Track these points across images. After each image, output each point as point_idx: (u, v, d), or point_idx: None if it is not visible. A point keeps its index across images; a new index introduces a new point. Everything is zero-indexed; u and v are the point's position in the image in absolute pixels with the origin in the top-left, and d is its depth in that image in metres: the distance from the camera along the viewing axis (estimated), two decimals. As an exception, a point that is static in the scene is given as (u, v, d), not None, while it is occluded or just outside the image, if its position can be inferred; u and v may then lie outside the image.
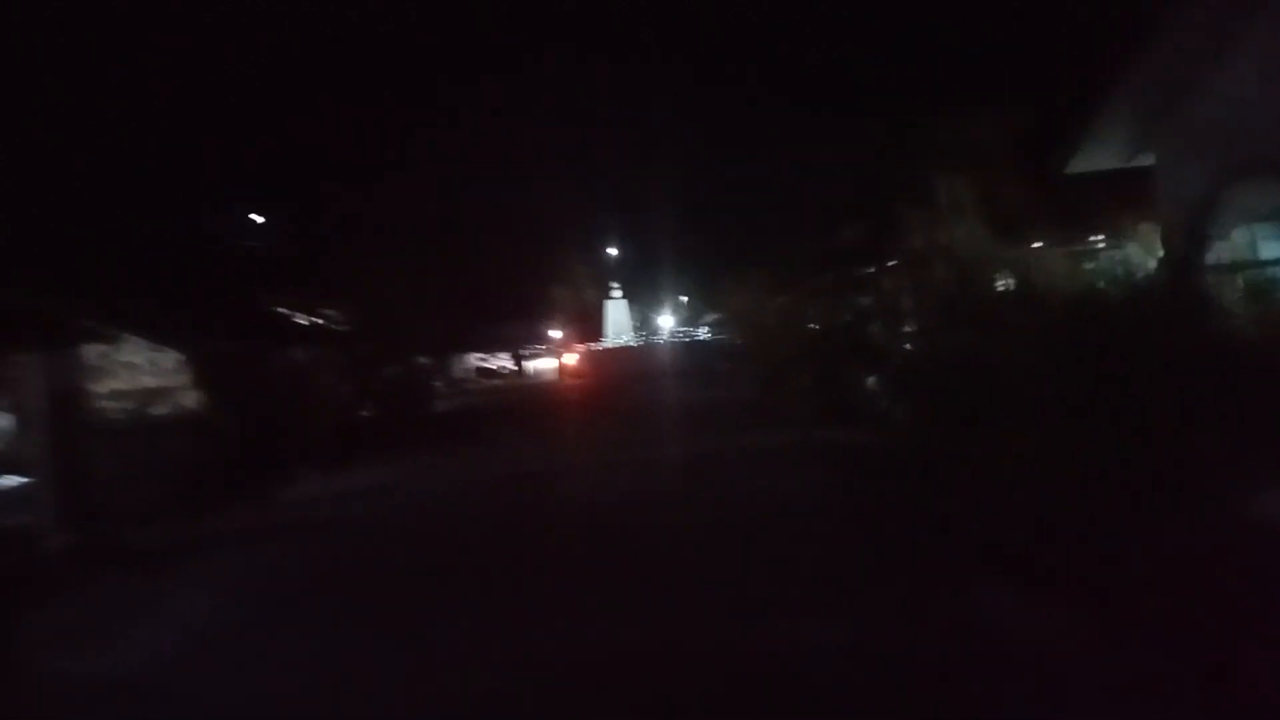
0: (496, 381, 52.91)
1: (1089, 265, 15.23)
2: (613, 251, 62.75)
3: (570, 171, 60.87)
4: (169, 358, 13.64)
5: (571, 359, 48.73)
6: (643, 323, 60.09)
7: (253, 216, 27.91)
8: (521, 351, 55.46)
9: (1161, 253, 13.78)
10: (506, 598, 6.58)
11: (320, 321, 21.46)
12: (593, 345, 54.40)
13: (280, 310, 20.12)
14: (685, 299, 61.38)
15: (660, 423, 18.18)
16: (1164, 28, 10.41)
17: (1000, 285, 13.28)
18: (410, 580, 7.47)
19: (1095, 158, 13.01)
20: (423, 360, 32.94)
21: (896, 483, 8.16)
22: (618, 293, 56.20)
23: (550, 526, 8.88)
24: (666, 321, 60.65)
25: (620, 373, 41.33)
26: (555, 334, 58.59)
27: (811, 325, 18.73)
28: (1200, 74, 10.68)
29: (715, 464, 11.71)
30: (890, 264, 16.86)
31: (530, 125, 62.01)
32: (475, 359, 57.65)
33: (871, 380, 14.15)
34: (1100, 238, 16.68)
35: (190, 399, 13.68)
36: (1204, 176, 11.15)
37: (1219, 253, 11.31)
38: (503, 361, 57.35)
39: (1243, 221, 11.53)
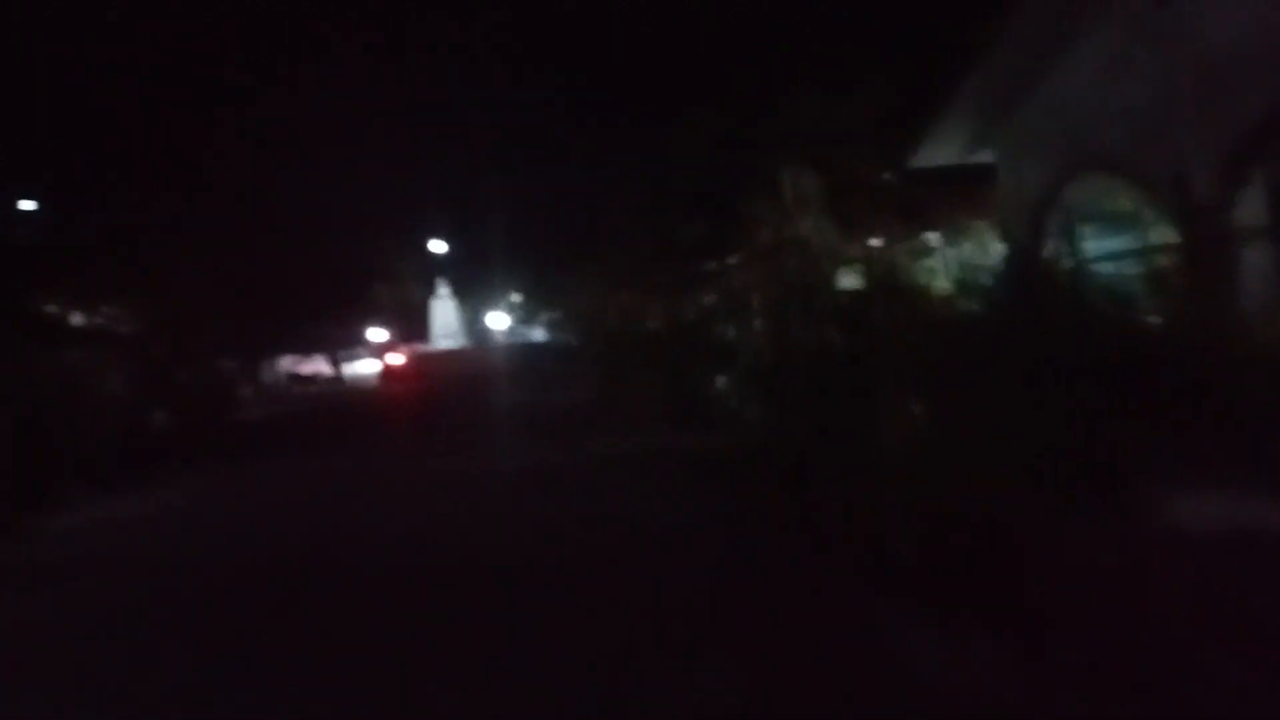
0: (312, 388, 50.22)
1: (925, 262, 15.70)
2: (440, 247, 60.88)
3: (393, 161, 58.58)
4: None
5: (394, 362, 46.81)
6: (473, 323, 58.59)
7: (25, 204, 25.09)
8: (339, 355, 52.86)
9: (997, 249, 14.33)
10: (291, 661, 5.49)
11: (99, 321, 19.35)
12: (418, 347, 52.51)
13: (48, 309, 17.96)
14: (519, 297, 60.33)
15: (492, 432, 17.31)
16: (1008, 25, 10.62)
17: (844, 280, 13.42)
18: (179, 639, 6.20)
19: (937, 153, 13.27)
20: (225, 364, 30.68)
21: (758, 491, 7.81)
22: (445, 290, 54.51)
23: (360, 564, 7.69)
24: (499, 321, 59.37)
25: (448, 377, 39.93)
26: (377, 335, 56.24)
27: (653, 324, 18.47)
28: (1041, 72, 11.00)
29: (555, 477, 11.00)
30: (735, 259, 16.82)
31: (350, 112, 59.42)
32: (289, 363, 54.59)
33: (720, 380, 13.96)
34: (935, 234, 17.19)
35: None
36: (1041, 173, 11.54)
37: (1054, 249, 11.70)
38: (319, 366, 54.56)
39: (1079, 219, 12.00)
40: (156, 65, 29.20)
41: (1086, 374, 5.02)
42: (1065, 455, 4.87)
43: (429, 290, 55.50)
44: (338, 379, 52.63)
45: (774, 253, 12.09)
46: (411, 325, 56.63)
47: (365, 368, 52.12)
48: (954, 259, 16.35)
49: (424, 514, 9.62)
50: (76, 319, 18.80)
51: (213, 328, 23.63)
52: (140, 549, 9.41)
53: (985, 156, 13.10)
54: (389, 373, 45.99)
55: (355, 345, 54.26)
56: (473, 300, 59.71)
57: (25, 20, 21.92)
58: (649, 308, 19.26)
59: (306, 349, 54.80)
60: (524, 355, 44.32)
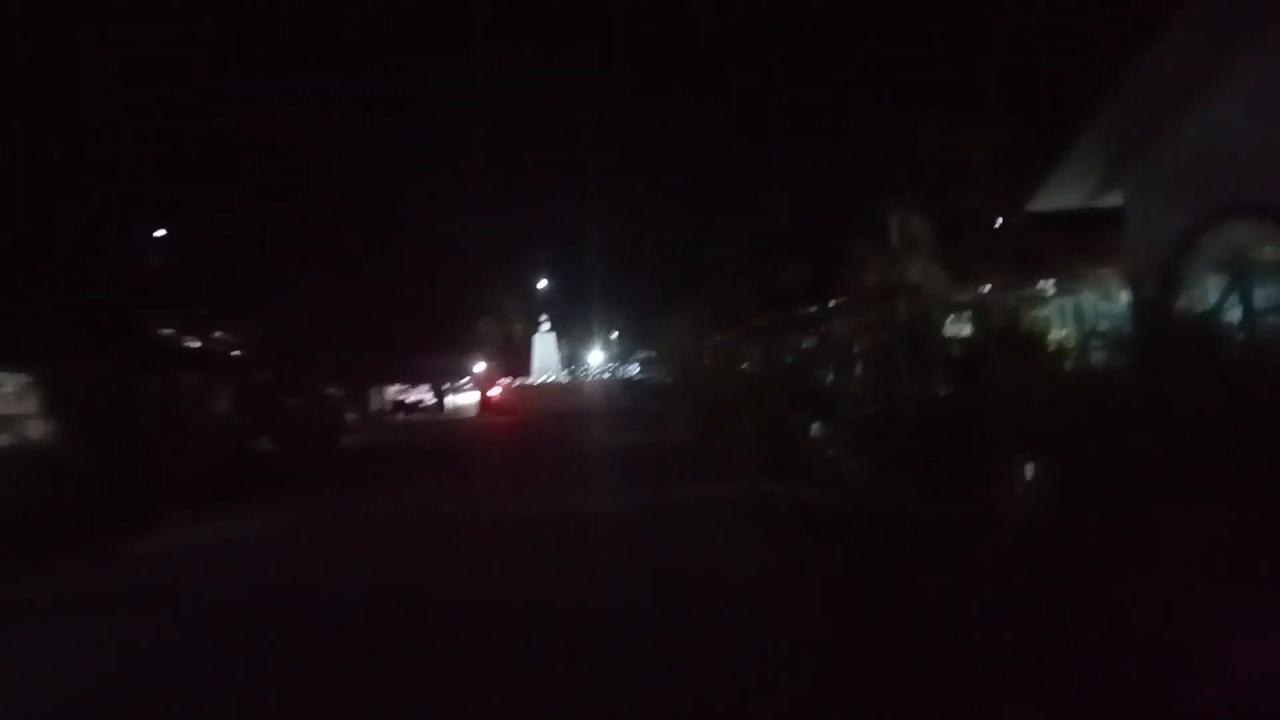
0: (415, 415, 51.07)
1: (1040, 311, 14.73)
2: (543, 284, 61.71)
3: (501, 200, 59.74)
4: (9, 380, 11.98)
5: (494, 394, 47.27)
6: (572, 359, 58.92)
7: (158, 232, 26.15)
8: (443, 385, 53.69)
9: (1123, 298, 13.29)
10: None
11: (210, 345, 19.83)
12: (519, 380, 52.99)
13: (164, 331, 18.47)
14: (616, 335, 60.45)
15: (586, 469, 16.92)
16: (1145, 58, 9.82)
17: (953, 329, 12.61)
18: (252, 677, 5.93)
19: (1058, 196, 12.42)
20: (331, 391, 31.30)
21: (862, 552, 7.10)
22: (546, 327, 55.01)
23: (449, 609, 7.24)
24: (597, 358, 59.59)
25: (546, 411, 40.08)
26: (480, 368, 57.03)
27: (750, 367, 17.87)
28: (1179, 109, 10.12)
29: (646, 524, 10.44)
30: (836, 303, 16.13)
31: (461, 151, 60.92)
32: (394, 391, 55.74)
33: (816, 428, 13.27)
34: (1051, 282, 16.16)
35: (36, 428, 12.05)
36: (1178, 219, 10.58)
37: (1190, 300, 10.70)
38: (423, 395, 55.52)
39: (1215, 268, 11.00)
40: (280, 97, 30.28)
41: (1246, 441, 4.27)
42: (1223, 541, 4.13)
43: (532, 326, 56.13)
44: (439, 407, 53.40)
45: (880, 297, 11.40)
46: (514, 359, 57.29)
47: (466, 398, 52.85)
48: (1072, 309, 15.33)
49: (511, 558, 9.15)
50: (189, 343, 19.31)
51: (321, 356, 24.03)
52: (216, 575, 9.25)
53: (1111, 200, 12.17)
54: (487, 404, 46.50)
55: (459, 376, 55.09)
56: (573, 337, 60.17)
57: (155, 44, 22.85)
58: (746, 350, 18.66)
59: (413, 379, 55.90)
60: (620, 392, 44.15)
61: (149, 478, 12.47)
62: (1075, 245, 14.67)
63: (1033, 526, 5.73)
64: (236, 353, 20.62)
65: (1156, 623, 4.48)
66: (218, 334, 20.59)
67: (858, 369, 12.00)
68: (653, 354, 44.59)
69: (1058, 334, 11.74)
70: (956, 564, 5.88)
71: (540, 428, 30.63)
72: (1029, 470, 6.39)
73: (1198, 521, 4.72)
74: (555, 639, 6.18)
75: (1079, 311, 15.06)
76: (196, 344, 19.24)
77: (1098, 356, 9.85)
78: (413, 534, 11.03)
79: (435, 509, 13.11)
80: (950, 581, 5.74)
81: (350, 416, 44.10)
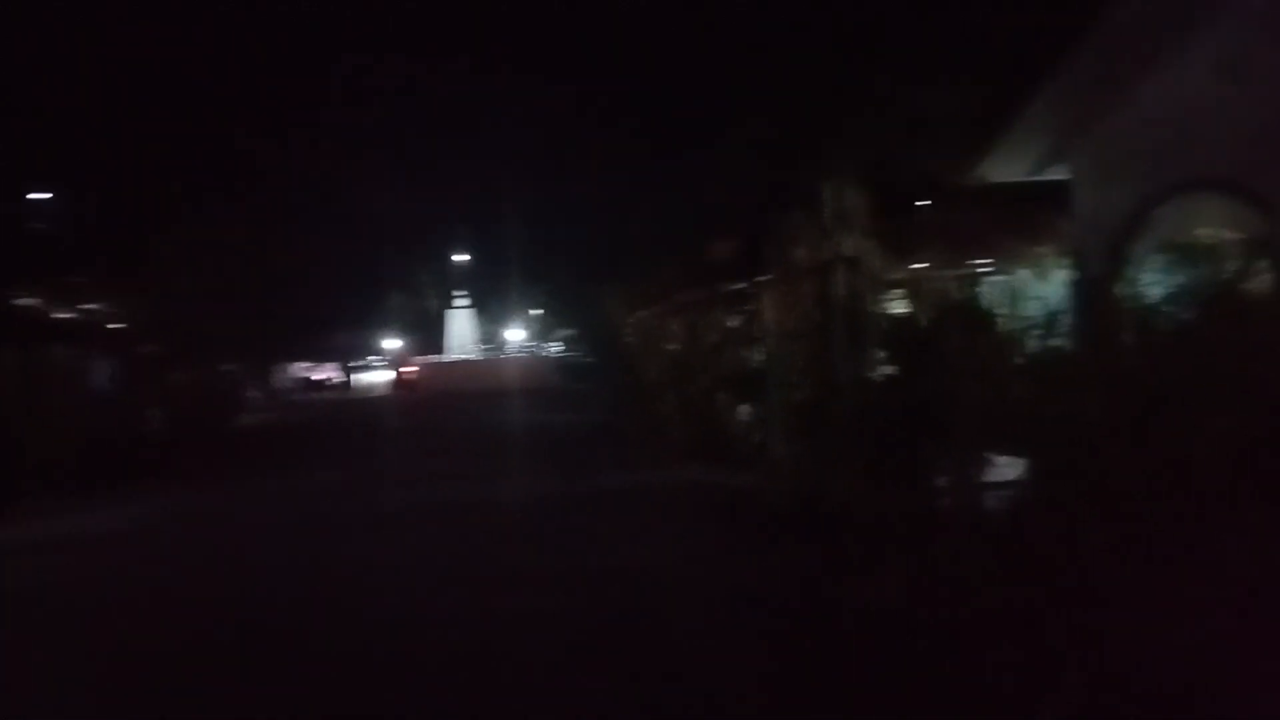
0: (322, 394, 49.15)
1: (977, 290, 14.30)
2: (461, 258, 59.95)
3: (415, 172, 57.83)
4: None
5: (405, 373, 45.77)
6: (490, 336, 57.48)
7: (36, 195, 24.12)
8: (351, 363, 51.77)
9: (1061, 278, 12.90)
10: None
11: (88, 317, 18.20)
12: (432, 358, 51.42)
13: (24, 301, 16.80)
14: (538, 312, 59.21)
15: (500, 453, 15.90)
16: (1099, 22, 9.26)
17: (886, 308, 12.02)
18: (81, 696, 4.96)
19: (1002, 168, 11.88)
20: (228, 367, 29.62)
21: (796, 552, 6.37)
22: (463, 302, 53.43)
23: (324, 620, 6.31)
24: (517, 335, 58.26)
25: (460, 390, 38.78)
26: (392, 345, 55.23)
27: (674, 346, 17.12)
28: (1137, 76, 9.58)
29: (560, 517, 9.55)
30: (765, 279, 15.44)
31: (376, 122, 58.84)
32: (301, 368, 53.63)
33: (744, 410, 12.60)
34: (986, 261, 15.77)
35: None
36: (1131, 193, 10.09)
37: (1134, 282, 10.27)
38: (331, 373, 53.54)
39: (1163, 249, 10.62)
40: (174, 60, 28.42)
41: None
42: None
43: (447, 302, 54.46)
44: (347, 386, 51.55)
45: (812, 273, 10.69)
46: (428, 336, 55.62)
47: (376, 376, 51.13)
48: (1006, 289, 14.95)
49: (393, 560, 8.11)
50: (59, 314, 17.65)
51: (213, 329, 22.49)
52: (58, 581, 7.98)
53: (1055, 174, 11.69)
54: (398, 383, 45.02)
55: (368, 354, 53.24)
56: (491, 313, 58.70)
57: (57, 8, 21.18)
58: (671, 327, 17.90)
59: (319, 356, 53.89)
60: (540, 371, 43.13)
61: (2, 461, 11.07)
62: (1011, 222, 14.27)
63: (993, 524, 5.06)
64: (118, 325, 18.98)
65: (1138, 644, 3.85)
66: (95, 305, 18.91)
67: (788, 349, 11.29)
68: (574, 331, 43.67)
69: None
70: (907, 567, 5.18)
71: (452, 408, 29.47)
72: (987, 460, 5.73)
73: (1173, 519, 4.13)
74: (443, 664, 5.27)
75: (1012, 291, 14.69)
76: (66, 315, 17.59)
77: (1038, 338, 9.27)
78: (300, 527, 9.94)
79: (328, 497, 12.01)
80: (904, 589, 5.04)
81: (253, 394, 42.18)
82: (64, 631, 6.43)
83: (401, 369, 47.23)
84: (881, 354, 7.64)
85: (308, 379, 52.46)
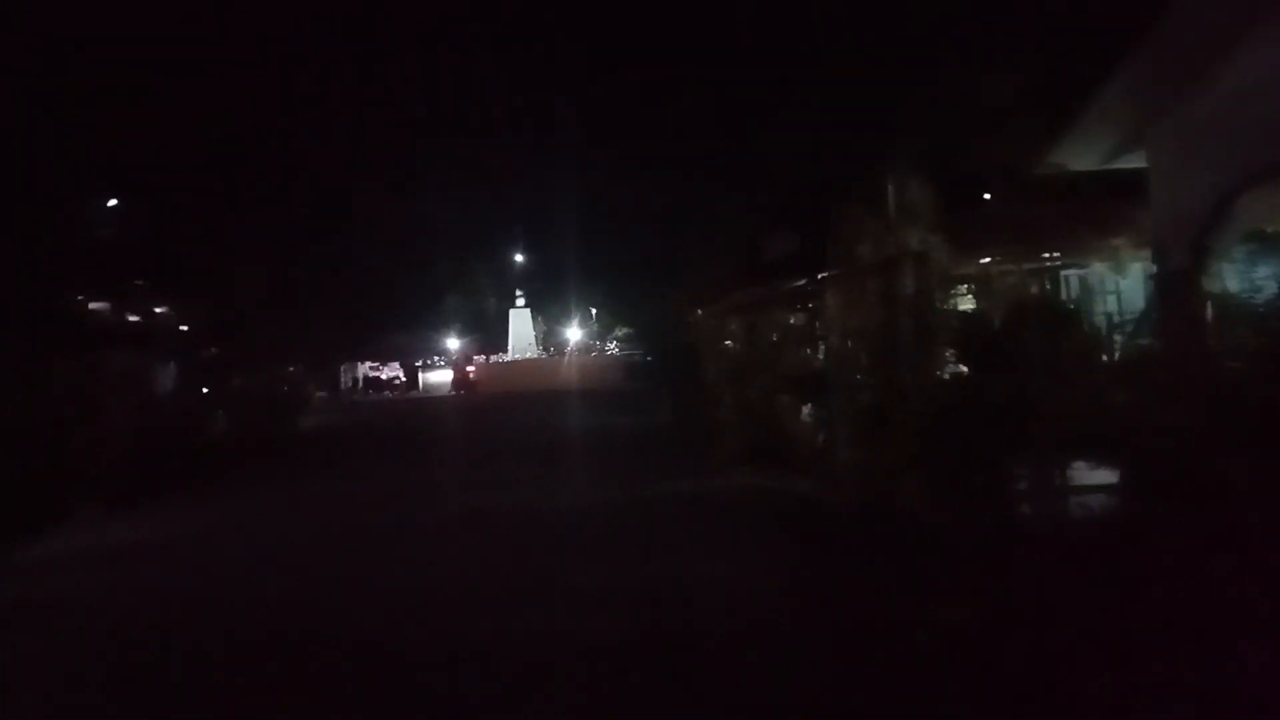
0: (388, 393, 49.73)
1: (1047, 286, 13.75)
2: (519, 259, 60.30)
3: (477, 175, 58.37)
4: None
5: (465, 373, 46.03)
6: (549, 335, 57.63)
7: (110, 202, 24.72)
8: (415, 362, 52.30)
9: (1138, 272, 12.32)
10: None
11: (154, 321, 18.53)
12: (492, 358, 51.72)
13: (93, 306, 17.14)
14: (595, 311, 59.20)
15: (556, 457, 15.73)
16: (1177, 2, 8.76)
17: (955, 306, 11.58)
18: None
19: (1073, 157, 11.37)
20: (293, 369, 30.08)
21: (869, 568, 6.04)
22: (521, 302, 53.62)
23: (368, 640, 6.03)
24: (575, 335, 58.32)
25: (519, 390, 38.91)
26: (453, 344, 55.70)
27: (733, 345, 16.81)
28: (1220, 57, 9.04)
29: (618, 527, 9.20)
30: (826, 276, 15.06)
31: (437, 126, 59.50)
32: (367, 368, 54.39)
33: (806, 411, 12.26)
34: (1057, 255, 15.18)
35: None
36: (1212, 181, 9.55)
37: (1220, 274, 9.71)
38: (395, 372, 54.14)
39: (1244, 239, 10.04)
40: (238, 66, 28.91)
41: None
42: None
43: (508, 302, 54.70)
44: (412, 385, 52.10)
45: (878, 269, 10.31)
46: (490, 336, 55.95)
47: (439, 376, 51.58)
48: (1078, 284, 14.37)
49: (444, 576, 7.74)
50: (126, 319, 17.98)
51: (277, 331, 22.80)
52: (101, 593, 7.78)
53: (1133, 161, 11.13)
54: (459, 383, 45.31)
55: (432, 354, 53.74)
56: (550, 313, 58.84)
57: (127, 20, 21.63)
58: (730, 327, 17.59)
59: (385, 356, 54.58)
60: (598, 370, 43.06)
61: (50, 471, 11.10)
62: (1084, 213, 13.73)
63: (1083, 540, 4.70)
64: (180, 329, 19.32)
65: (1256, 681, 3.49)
66: (158, 310, 19.26)
67: (852, 348, 10.93)
68: (632, 331, 43.50)
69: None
70: (990, 587, 4.84)
71: (511, 408, 29.48)
72: (1075, 471, 5.37)
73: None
74: (493, 692, 5.05)
75: (1086, 286, 14.12)
76: (129, 320, 17.89)
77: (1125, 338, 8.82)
78: (350, 537, 9.75)
79: (383, 505, 11.89)
80: (989, 612, 4.70)
81: (319, 394, 42.84)
82: (97, 640, 6.38)
83: (461, 369, 47.53)
84: (952, 353, 7.27)
85: (374, 378, 53.12)
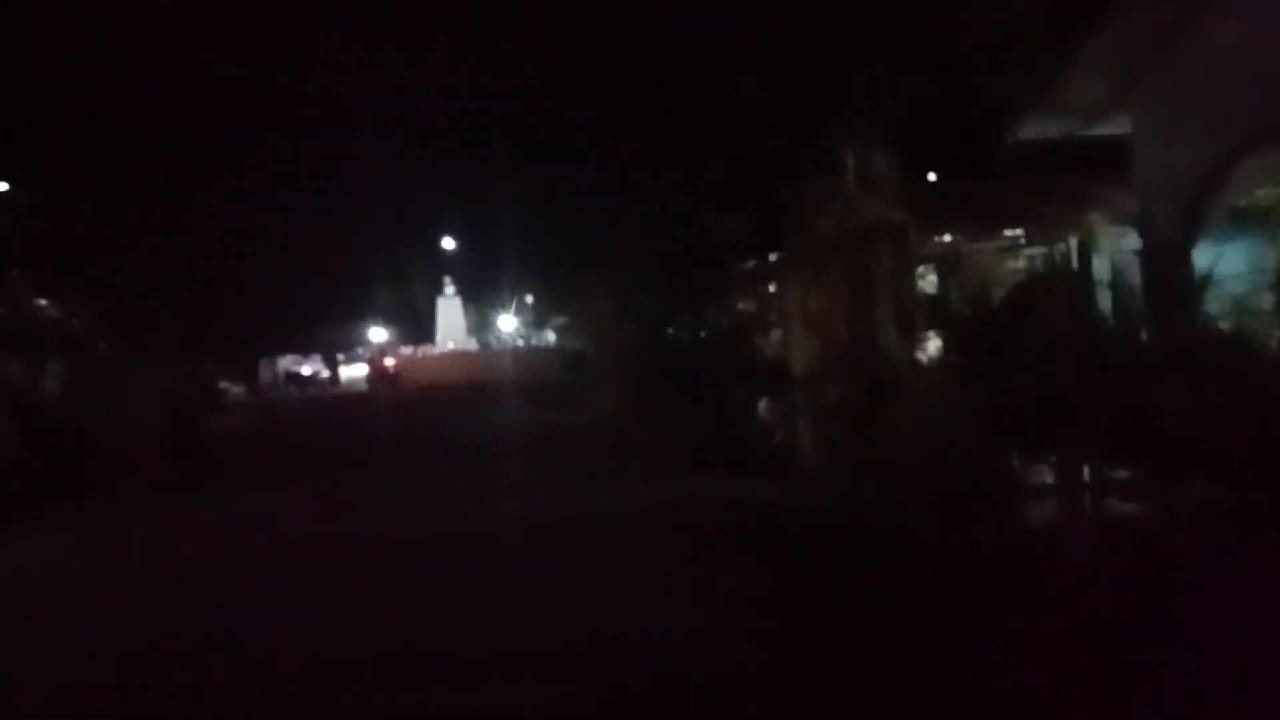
0: (308, 390, 47.92)
1: (1009, 264, 13.15)
2: (450, 245, 58.46)
3: (406, 158, 56.58)
4: None
5: (384, 368, 44.24)
6: (481, 325, 56.17)
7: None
8: (337, 356, 50.54)
9: (1117, 248, 11.75)
10: None
11: (30, 316, 16.95)
12: (420, 350, 50.13)
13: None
14: (531, 299, 57.79)
15: (478, 465, 14.40)
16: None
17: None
18: None
19: (1050, 122, 10.68)
20: (204, 366, 28.45)
21: (874, 606, 5.08)
22: (451, 291, 52.04)
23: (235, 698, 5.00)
24: (509, 324, 56.91)
25: (449, 384, 37.51)
26: (378, 336, 53.97)
27: (679, 334, 15.92)
28: (1210, 11, 8.35)
29: (551, 550, 8.01)
30: (781, 257, 14.24)
31: (362, 105, 57.60)
32: (288, 362, 52.50)
33: (764, 406, 11.43)
34: (1019, 232, 14.57)
35: None
36: (1205, 147, 8.89)
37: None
38: (317, 367, 52.30)
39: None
40: (145, 43, 27.22)
41: None
42: None
43: (435, 290, 53.06)
44: (334, 380, 50.39)
45: (845, 246, 9.48)
46: (417, 326, 54.34)
47: (360, 370, 49.90)
48: (1047, 262, 13.81)
49: (331, 620, 6.57)
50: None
51: (180, 326, 21.25)
52: None
53: (1114, 127, 10.45)
54: (380, 377, 43.41)
55: (355, 346, 51.99)
56: (483, 301, 57.36)
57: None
58: (675, 315, 16.67)
59: (306, 349, 52.74)
60: (534, 362, 41.88)
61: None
62: (1060, 185, 13.16)
63: (1140, 570, 3.87)
64: (66, 323, 17.74)
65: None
66: (40, 302, 17.65)
67: (814, 335, 10.08)
68: (570, 320, 42.29)
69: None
70: (1021, 638, 3.96)
71: (443, 405, 28.23)
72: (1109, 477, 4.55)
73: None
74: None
75: (1054, 264, 13.56)
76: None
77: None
78: (217, 570, 8.35)
79: (272, 527, 10.61)
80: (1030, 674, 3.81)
81: (235, 391, 40.92)
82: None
83: (378, 363, 45.61)
84: (939, 340, 6.42)
85: (295, 373, 51.28)
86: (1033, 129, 11.08)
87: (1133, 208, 10.53)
